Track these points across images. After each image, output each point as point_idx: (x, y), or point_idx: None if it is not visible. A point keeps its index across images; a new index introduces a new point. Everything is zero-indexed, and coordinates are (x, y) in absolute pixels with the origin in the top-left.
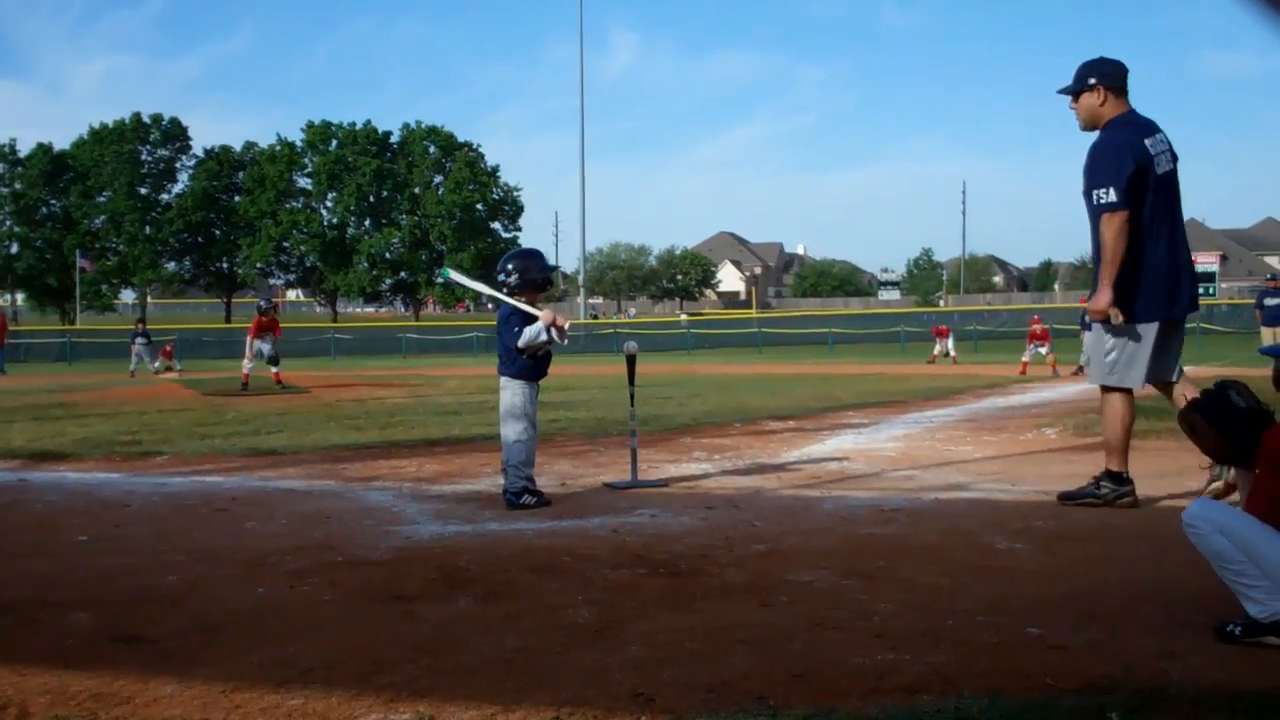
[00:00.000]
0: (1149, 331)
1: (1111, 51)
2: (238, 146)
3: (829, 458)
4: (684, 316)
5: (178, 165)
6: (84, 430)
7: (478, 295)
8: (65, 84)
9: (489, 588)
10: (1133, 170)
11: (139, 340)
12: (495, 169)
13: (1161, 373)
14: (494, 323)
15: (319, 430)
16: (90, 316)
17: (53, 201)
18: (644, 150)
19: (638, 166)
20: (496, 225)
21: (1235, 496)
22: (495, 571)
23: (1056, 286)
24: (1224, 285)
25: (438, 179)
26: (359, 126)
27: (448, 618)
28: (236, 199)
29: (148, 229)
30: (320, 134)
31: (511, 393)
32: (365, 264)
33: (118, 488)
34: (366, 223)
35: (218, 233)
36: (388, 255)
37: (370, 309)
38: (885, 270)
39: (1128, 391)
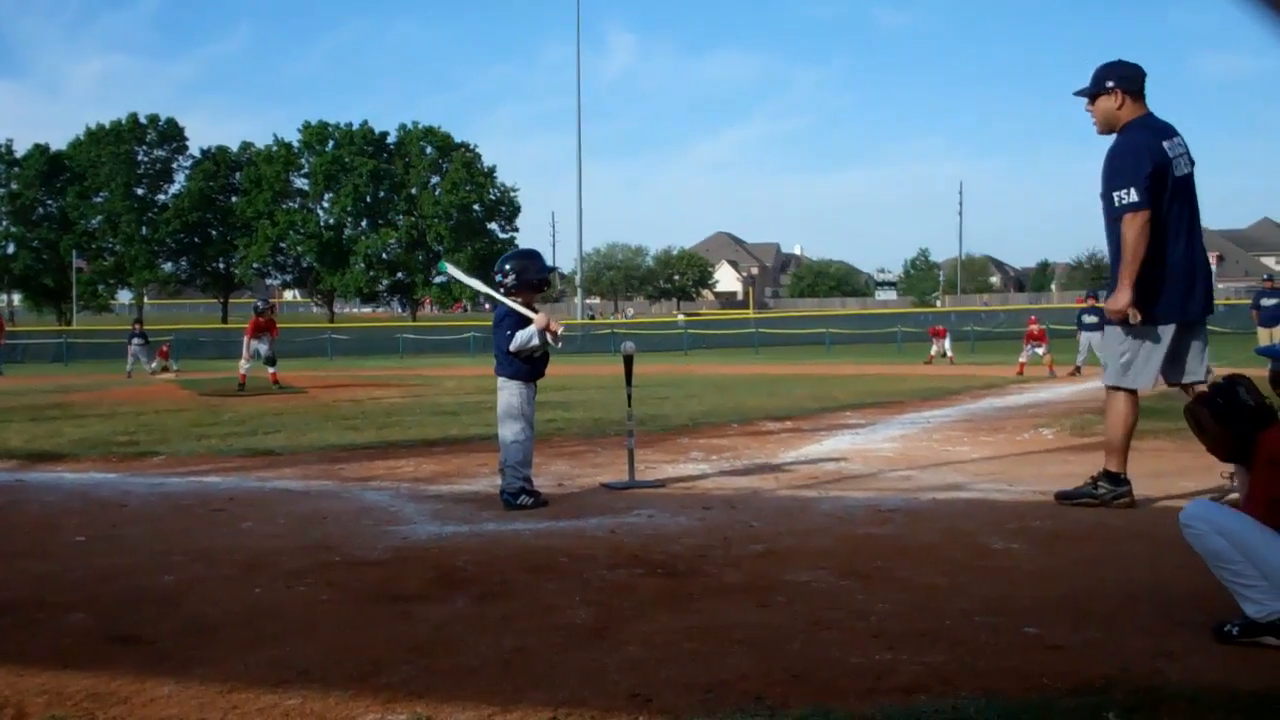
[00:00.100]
0: (1165, 333)
1: (1109, 51)
2: (234, 147)
3: (826, 458)
4: (681, 317)
5: (174, 166)
6: (81, 431)
7: (475, 294)
8: (62, 84)
9: (486, 588)
10: (1151, 170)
11: (135, 341)
12: (492, 169)
13: (1178, 375)
14: (491, 323)
15: (316, 430)
16: (87, 317)
17: (49, 202)
18: (641, 151)
19: (635, 167)
20: (493, 226)
21: (1234, 496)
22: (492, 572)
23: (1053, 287)
24: (1221, 286)
25: (434, 179)
26: (355, 127)
27: (445, 618)
28: (233, 199)
29: (144, 229)
30: (317, 134)
31: (509, 393)
32: (362, 264)
33: (115, 488)
34: (363, 223)
35: (214, 233)
36: (384, 256)
37: (367, 309)
38: (882, 270)
39: (1133, 393)
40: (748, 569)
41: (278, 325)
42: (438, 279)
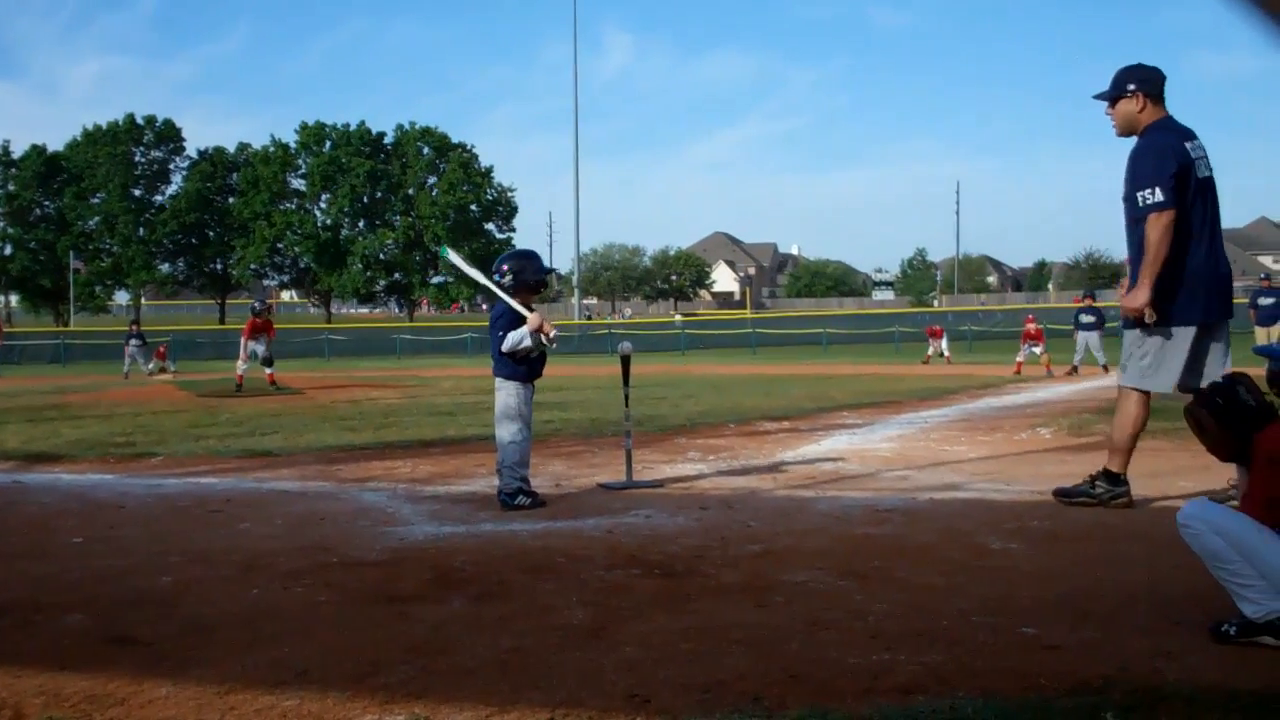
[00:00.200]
0: (1185, 334)
1: (1106, 50)
2: (231, 148)
3: (824, 458)
4: (678, 317)
5: (171, 167)
6: (78, 432)
7: (474, 294)
8: (59, 85)
9: (484, 588)
10: (1176, 170)
11: (133, 342)
12: (489, 170)
13: (1196, 379)
14: (488, 324)
15: (313, 431)
16: (84, 318)
17: (46, 203)
18: (638, 151)
19: (632, 167)
20: (490, 226)
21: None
22: (490, 572)
23: (1050, 286)
24: None
25: (431, 180)
26: (353, 127)
27: (442, 619)
28: (230, 200)
29: (141, 230)
30: (314, 135)
31: (506, 394)
32: (359, 265)
33: (112, 489)
34: (360, 224)
35: (211, 234)
36: (382, 256)
37: (364, 310)
38: (879, 270)
39: (1146, 395)
40: (745, 569)
41: (275, 326)
42: (436, 283)
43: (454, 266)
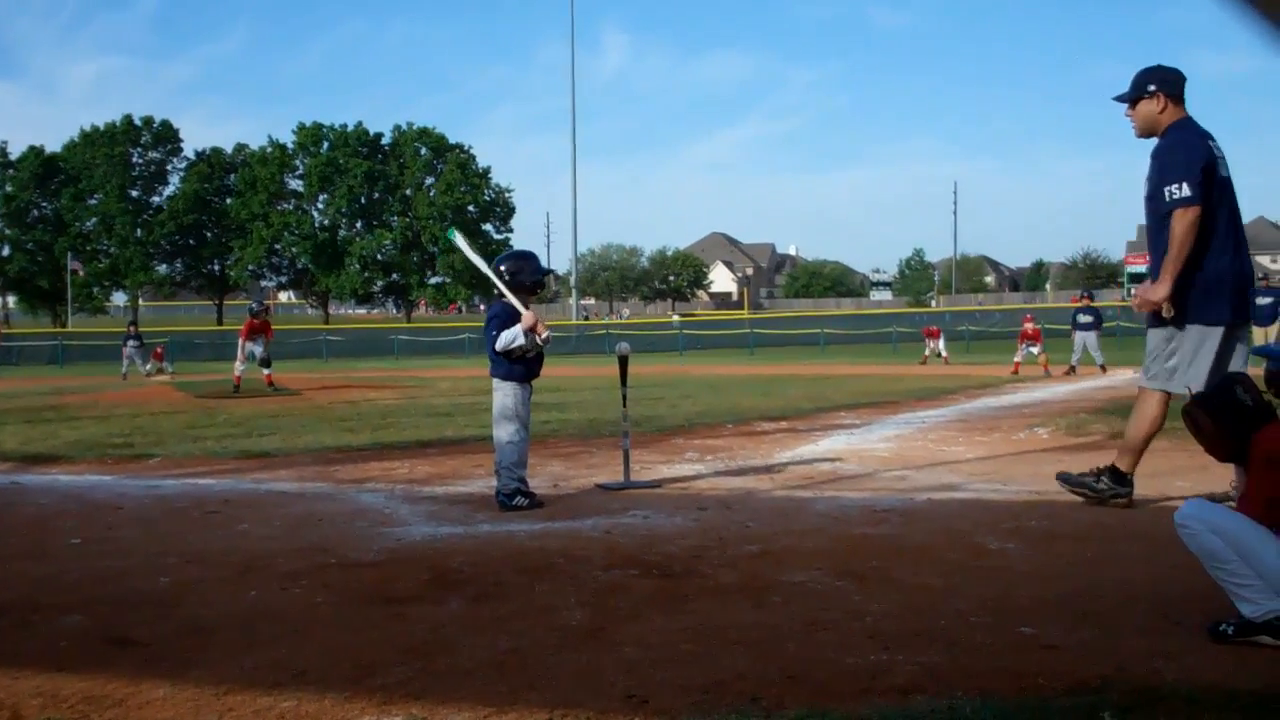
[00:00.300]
0: (1214, 334)
1: (1105, 50)
2: (229, 148)
3: (821, 458)
4: (676, 317)
5: (169, 167)
6: (76, 433)
7: (471, 294)
8: (57, 86)
9: (481, 589)
10: (1203, 165)
11: (131, 343)
12: (487, 170)
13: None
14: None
15: (311, 432)
16: (82, 319)
17: (44, 204)
18: (636, 151)
19: (630, 167)
20: (488, 227)
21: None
22: (488, 573)
23: (1048, 286)
24: None
25: (429, 180)
26: (350, 128)
27: (440, 620)
28: (228, 201)
29: (139, 231)
30: (311, 136)
31: (504, 394)
32: (357, 266)
33: (110, 490)
34: (358, 224)
35: (209, 235)
36: (379, 257)
37: (362, 311)
38: (877, 271)
39: (1166, 397)
40: (743, 569)
41: (272, 327)
42: (434, 284)
43: (457, 249)
